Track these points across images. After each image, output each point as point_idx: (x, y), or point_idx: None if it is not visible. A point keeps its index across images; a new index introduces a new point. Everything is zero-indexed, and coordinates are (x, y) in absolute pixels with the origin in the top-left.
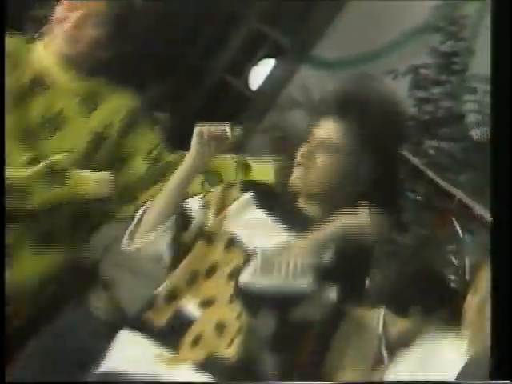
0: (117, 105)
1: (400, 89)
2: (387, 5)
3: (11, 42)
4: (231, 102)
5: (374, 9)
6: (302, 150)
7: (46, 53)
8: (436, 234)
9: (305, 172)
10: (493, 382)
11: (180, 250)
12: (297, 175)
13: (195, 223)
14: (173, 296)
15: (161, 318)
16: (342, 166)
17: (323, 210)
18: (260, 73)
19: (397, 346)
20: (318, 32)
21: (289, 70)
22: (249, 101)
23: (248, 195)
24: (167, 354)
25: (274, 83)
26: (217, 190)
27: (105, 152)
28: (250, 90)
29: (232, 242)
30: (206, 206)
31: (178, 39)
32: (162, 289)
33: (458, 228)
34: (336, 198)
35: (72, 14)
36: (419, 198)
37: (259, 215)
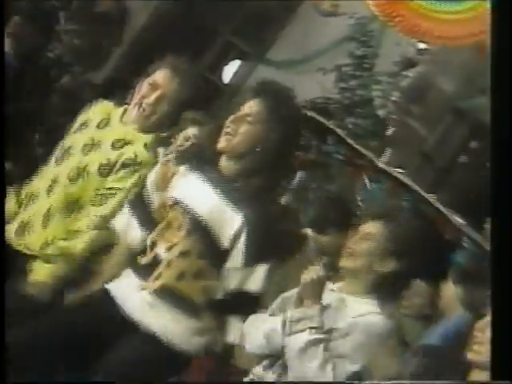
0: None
1: (328, 81)
2: (318, 23)
3: (107, 104)
4: (209, 92)
5: (310, 26)
6: (229, 119)
7: (123, 118)
8: (352, 182)
9: (230, 137)
10: (493, 382)
11: (152, 221)
12: (223, 139)
13: (154, 201)
14: (153, 245)
15: (147, 260)
16: (257, 133)
17: (239, 170)
18: (230, 70)
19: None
20: (269, 42)
21: (250, 69)
22: (221, 90)
23: (183, 168)
24: (143, 283)
25: (239, 78)
26: (157, 169)
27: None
28: (222, 82)
29: (176, 204)
30: (156, 185)
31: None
32: (148, 241)
33: (366, 179)
34: (251, 161)
35: (148, 91)
36: (342, 157)
37: (193, 180)
